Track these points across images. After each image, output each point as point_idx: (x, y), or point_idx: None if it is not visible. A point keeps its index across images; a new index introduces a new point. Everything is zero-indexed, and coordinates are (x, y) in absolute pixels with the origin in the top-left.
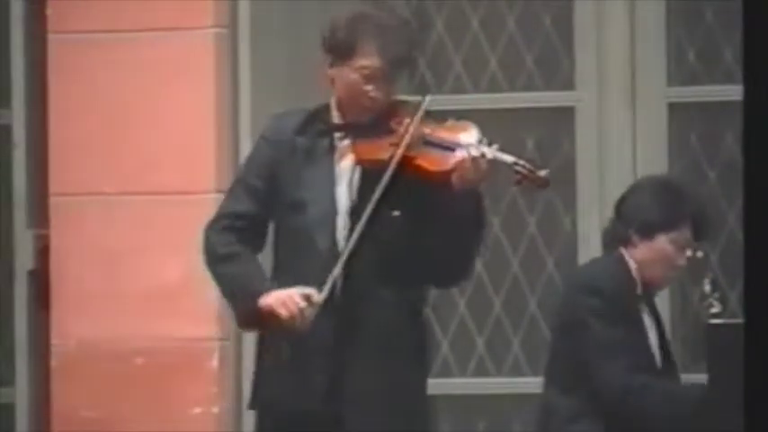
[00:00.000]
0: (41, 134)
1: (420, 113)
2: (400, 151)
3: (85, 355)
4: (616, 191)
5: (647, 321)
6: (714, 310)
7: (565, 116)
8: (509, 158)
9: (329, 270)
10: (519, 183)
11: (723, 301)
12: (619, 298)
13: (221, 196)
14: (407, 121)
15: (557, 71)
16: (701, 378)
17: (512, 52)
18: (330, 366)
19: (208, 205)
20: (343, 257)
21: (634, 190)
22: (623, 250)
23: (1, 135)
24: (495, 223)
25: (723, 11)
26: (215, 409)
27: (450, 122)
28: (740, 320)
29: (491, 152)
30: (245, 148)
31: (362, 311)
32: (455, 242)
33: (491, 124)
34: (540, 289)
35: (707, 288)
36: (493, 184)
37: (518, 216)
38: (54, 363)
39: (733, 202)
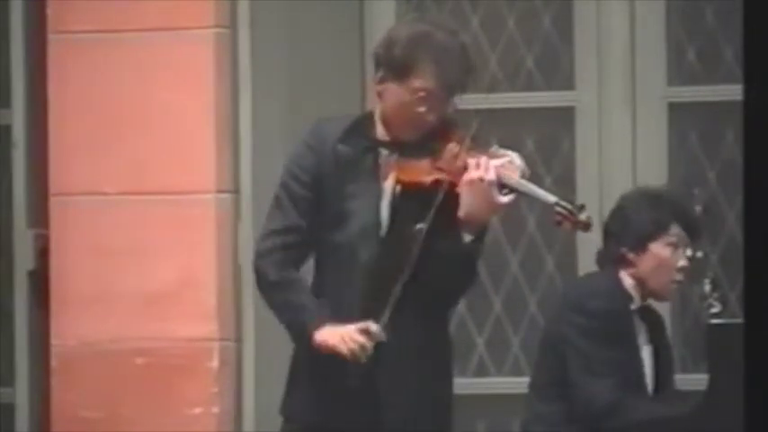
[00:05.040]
0: (41, 134)
1: (467, 142)
2: (448, 179)
3: (85, 355)
4: (616, 191)
5: (642, 338)
6: (714, 310)
7: (565, 116)
8: (551, 198)
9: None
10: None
11: (723, 301)
12: (607, 317)
13: (221, 196)
14: (453, 145)
15: (557, 71)
16: (701, 378)
17: (512, 52)
18: (362, 378)
19: (208, 205)
20: (396, 291)
21: (616, 210)
22: (618, 269)
23: (1, 135)
24: (495, 223)
25: (723, 11)
26: (215, 409)
27: (494, 149)
28: (740, 320)
29: (533, 190)
30: (246, 149)
31: (394, 322)
32: (454, 271)
33: (491, 124)
34: (539, 289)
35: (707, 288)
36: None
37: (518, 216)
38: (54, 363)
39: (733, 202)
